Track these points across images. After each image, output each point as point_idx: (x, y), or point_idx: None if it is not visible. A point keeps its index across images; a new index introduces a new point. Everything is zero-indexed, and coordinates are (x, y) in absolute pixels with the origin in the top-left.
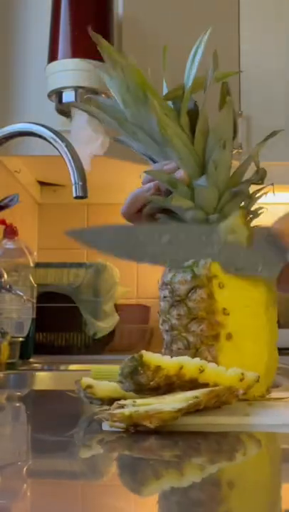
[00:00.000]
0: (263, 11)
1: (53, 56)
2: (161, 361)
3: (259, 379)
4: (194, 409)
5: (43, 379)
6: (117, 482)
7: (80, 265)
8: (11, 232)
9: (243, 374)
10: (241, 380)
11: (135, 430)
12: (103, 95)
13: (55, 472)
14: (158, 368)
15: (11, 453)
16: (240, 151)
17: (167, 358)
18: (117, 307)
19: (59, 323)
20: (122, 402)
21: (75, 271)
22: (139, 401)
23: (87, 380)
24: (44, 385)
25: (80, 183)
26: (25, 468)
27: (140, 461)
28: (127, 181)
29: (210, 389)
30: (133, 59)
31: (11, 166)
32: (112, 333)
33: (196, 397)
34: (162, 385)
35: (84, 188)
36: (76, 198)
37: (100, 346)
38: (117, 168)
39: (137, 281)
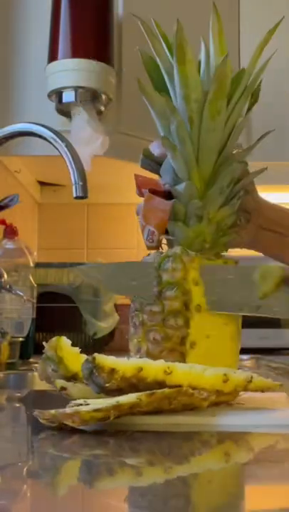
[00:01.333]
0: (263, 10)
1: (53, 56)
2: (116, 364)
3: (252, 379)
4: (134, 411)
5: None
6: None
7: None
8: (11, 232)
9: (226, 375)
10: (225, 381)
11: (71, 428)
12: (104, 95)
13: (55, 472)
14: (112, 371)
15: (10, 453)
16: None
17: (124, 360)
18: (117, 307)
19: (59, 323)
20: (77, 401)
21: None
22: (90, 401)
23: (60, 382)
24: (44, 385)
25: (80, 183)
26: (25, 469)
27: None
28: (127, 181)
29: (152, 391)
30: None
31: (11, 166)
32: (112, 333)
33: (139, 398)
34: (123, 386)
35: (84, 188)
36: (76, 198)
37: (99, 346)
38: (117, 168)
39: None
